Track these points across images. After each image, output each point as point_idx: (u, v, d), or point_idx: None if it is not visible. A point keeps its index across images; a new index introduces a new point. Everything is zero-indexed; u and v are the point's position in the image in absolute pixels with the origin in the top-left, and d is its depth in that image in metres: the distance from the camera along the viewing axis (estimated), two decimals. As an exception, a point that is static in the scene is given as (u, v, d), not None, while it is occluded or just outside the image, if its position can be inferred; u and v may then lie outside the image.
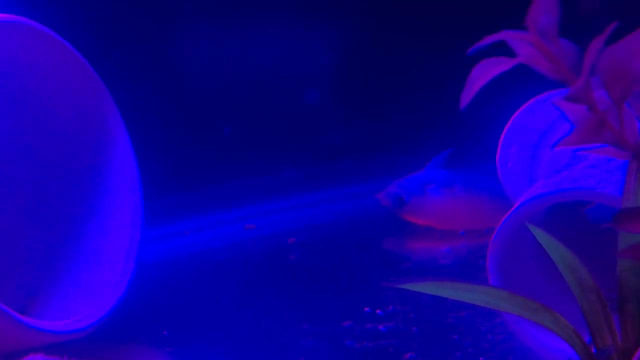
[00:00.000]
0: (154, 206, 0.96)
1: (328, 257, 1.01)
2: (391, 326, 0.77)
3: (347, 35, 1.22)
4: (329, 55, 1.21)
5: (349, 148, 1.22)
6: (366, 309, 0.81)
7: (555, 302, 0.53)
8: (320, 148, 1.22)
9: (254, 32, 1.17)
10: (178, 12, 1.11)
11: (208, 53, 1.15)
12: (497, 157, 0.99)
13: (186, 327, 0.80)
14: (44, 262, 0.83)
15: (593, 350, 0.48)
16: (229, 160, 1.17)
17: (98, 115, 0.82)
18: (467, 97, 0.44)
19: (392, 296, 0.83)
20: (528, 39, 0.45)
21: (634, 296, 0.48)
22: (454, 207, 1.03)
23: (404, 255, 1.04)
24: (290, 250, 1.02)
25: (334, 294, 0.88)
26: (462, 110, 0.44)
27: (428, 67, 1.23)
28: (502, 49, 0.48)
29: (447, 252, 0.99)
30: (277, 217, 1.13)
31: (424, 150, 1.08)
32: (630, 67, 0.45)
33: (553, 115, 0.94)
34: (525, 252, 0.69)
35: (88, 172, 0.84)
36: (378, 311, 0.80)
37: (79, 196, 0.84)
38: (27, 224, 0.84)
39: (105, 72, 0.82)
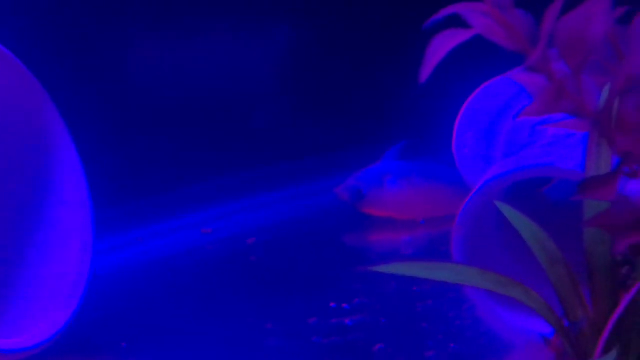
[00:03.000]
0: (107, 215, 0.93)
1: (289, 255, 0.99)
2: (358, 319, 0.75)
3: (298, 33, 1.21)
4: (281, 53, 1.20)
5: (305, 145, 1.21)
6: (332, 304, 0.79)
7: (521, 281, 0.52)
8: (275, 147, 1.20)
9: (205, 32, 1.15)
10: (123, 12, 1.09)
11: (156, 55, 1.13)
12: (453, 144, 0.99)
13: (146, 337, 0.78)
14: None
15: (565, 323, 0.48)
16: (182, 165, 1.14)
17: (40, 123, 0.79)
18: (426, 71, 0.43)
19: (357, 289, 0.81)
20: (483, 9, 0.44)
21: (601, 266, 0.48)
22: (412, 197, 1.02)
23: (365, 248, 1.03)
24: (250, 251, 1.00)
25: (298, 291, 0.86)
26: (422, 84, 0.43)
27: (381, 60, 1.22)
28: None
29: (408, 241, 0.99)
30: (234, 219, 1.11)
31: (381, 143, 1.07)
32: (586, 35, 0.44)
33: (505, 98, 0.94)
34: (488, 234, 0.69)
35: (33, 182, 0.81)
36: (344, 305, 0.78)
37: (25, 208, 0.81)
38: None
39: (47, 79, 0.79)
